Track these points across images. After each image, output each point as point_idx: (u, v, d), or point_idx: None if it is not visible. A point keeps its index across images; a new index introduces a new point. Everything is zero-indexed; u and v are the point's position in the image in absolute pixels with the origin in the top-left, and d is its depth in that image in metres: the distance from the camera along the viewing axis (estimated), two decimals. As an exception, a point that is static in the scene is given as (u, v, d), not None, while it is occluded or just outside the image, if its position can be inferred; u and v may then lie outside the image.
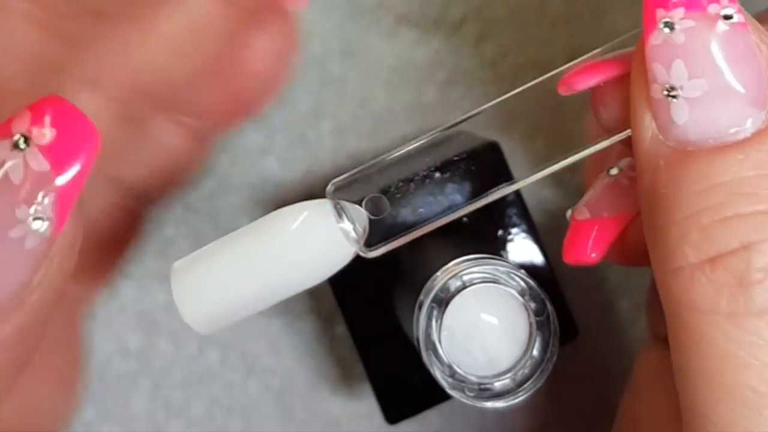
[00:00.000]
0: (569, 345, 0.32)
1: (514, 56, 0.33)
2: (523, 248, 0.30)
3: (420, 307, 0.24)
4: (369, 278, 0.30)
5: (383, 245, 0.23)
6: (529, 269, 0.24)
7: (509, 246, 0.30)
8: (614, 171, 0.23)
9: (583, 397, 0.35)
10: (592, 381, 0.35)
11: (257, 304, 0.22)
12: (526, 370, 0.24)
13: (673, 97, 0.20)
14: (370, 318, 0.30)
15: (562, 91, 0.22)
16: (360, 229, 0.22)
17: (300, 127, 0.33)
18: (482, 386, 0.24)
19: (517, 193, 0.31)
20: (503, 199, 0.30)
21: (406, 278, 0.28)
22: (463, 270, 0.24)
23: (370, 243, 0.22)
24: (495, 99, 0.23)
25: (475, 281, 0.24)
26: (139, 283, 0.33)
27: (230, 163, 0.33)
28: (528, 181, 0.23)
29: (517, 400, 0.24)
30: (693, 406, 0.20)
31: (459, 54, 0.33)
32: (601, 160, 0.24)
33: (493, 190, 0.23)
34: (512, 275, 0.24)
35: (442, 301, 0.24)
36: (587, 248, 0.23)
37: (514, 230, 0.30)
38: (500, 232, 0.30)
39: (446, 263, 0.25)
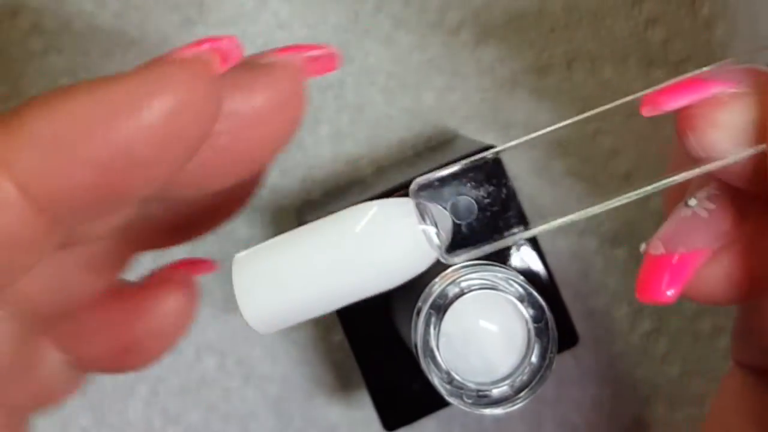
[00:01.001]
0: (568, 351, 0.31)
1: (512, 62, 0.33)
2: (521, 254, 0.30)
3: (418, 314, 0.24)
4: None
5: (466, 252, 0.21)
6: (528, 276, 0.24)
7: (508, 252, 0.30)
8: (693, 202, 0.22)
9: (582, 404, 0.34)
10: (591, 387, 0.34)
11: (322, 306, 0.21)
12: (525, 377, 0.24)
13: None
14: (367, 325, 0.30)
15: (646, 112, 0.20)
16: (443, 234, 0.20)
17: (298, 132, 0.33)
18: (480, 393, 0.24)
19: (516, 199, 0.30)
20: (502, 204, 0.30)
21: (403, 285, 0.28)
22: (461, 276, 0.24)
23: (450, 248, 0.20)
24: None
25: (473, 287, 0.24)
26: (136, 289, 0.33)
27: (227, 169, 0.33)
28: (611, 205, 0.21)
29: (515, 407, 0.24)
30: None
31: (457, 59, 0.33)
32: (683, 188, 0.23)
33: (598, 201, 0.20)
34: (511, 281, 0.24)
35: (441, 308, 0.24)
36: (662, 285, 0.22)
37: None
38: (498, 238, 0.30)
39: (444, 269, 0.24)
